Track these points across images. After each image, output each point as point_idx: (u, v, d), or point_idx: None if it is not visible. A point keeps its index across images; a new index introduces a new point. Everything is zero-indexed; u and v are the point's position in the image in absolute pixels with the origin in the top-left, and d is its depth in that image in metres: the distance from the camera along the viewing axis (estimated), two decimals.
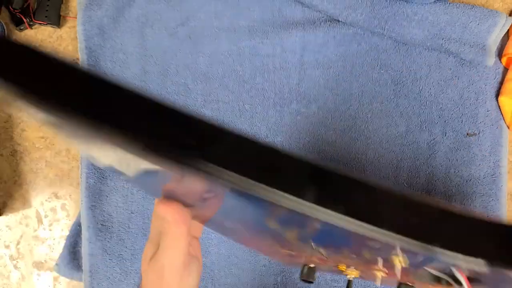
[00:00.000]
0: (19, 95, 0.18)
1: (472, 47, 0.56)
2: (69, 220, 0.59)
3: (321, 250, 0.31)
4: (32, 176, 0.59)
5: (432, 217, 0.21)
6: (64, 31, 0.59)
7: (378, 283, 0.33)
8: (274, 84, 0.57)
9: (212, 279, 0.57)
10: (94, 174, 0.56)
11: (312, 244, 0.29)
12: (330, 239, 0.27)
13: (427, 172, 0.56)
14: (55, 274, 0.58)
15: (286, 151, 0.20)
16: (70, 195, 0.59)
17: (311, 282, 0.40)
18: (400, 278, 0.31)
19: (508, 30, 0.57)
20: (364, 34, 0.58)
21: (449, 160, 0.56)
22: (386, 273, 0.32)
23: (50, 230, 0.59)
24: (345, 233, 0.21)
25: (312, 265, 0.40)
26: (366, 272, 0.35)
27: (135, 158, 0.20)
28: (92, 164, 0.55)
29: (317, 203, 0.19)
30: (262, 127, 0.58)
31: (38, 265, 0.59)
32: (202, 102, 0.58)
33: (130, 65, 0.58)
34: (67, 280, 0.59)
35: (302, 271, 0.41)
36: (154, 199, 0.56)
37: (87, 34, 0.56)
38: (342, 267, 0.38)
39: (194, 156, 0.19)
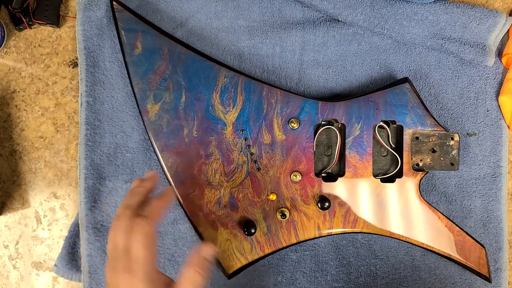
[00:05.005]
0: None
1: (472, 47, 0.56)
2: (68, 220, 0.59)
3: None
4: (31, 176, 0.59)
5: None
6: (63, 31, 0.59)
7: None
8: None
9: (212, 281, 0.57)
10: (93, 175, 0.55)
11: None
12: None
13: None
14: (54, 274, 0.58)
15: None
16: (69, 195, 0.59)
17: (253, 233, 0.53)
18: None
19: (508, 30, 0.57)
20: (364, 34, 0.58)
21: None
22: None
23: (49, 230, 0.59)
24: None
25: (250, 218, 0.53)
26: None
27: None
28: (91, 165, 0.55)
29: None
30: None
31: (37, 265, 0.59)
32: None
33: None
34: (66, 280, 0.58)
35: (244, 228, 0.53)
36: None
37: (86, 35, 0.56)
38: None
39: None
